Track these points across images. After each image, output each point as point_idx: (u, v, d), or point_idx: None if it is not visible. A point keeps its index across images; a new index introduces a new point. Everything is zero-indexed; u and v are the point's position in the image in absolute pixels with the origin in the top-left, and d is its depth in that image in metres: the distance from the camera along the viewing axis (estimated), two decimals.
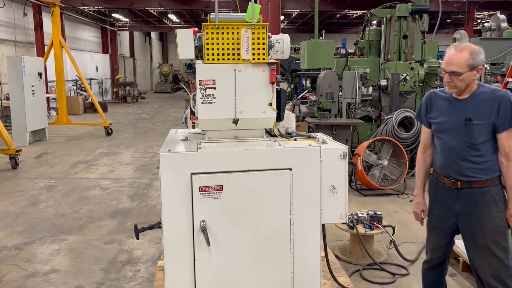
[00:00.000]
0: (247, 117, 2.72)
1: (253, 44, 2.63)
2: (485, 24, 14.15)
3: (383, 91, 8.42)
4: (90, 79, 21.07)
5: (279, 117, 2.81)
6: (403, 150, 6.40)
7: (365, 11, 12.41)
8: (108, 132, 11.85)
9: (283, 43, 2.83)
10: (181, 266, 2.58)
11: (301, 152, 2.61)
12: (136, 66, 29.87)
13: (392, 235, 4.19)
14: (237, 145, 2.70)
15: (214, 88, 2.65)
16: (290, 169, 2.60)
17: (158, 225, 2.57)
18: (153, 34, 34.61)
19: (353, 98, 7.82)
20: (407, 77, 8.14)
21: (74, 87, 18.82)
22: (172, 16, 24.78)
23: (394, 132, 7.07)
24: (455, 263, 4.11)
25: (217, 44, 2.62)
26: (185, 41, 2.61)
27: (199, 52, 2.65)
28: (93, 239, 4.79)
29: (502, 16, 13.71)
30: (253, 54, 2.64)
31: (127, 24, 26.15)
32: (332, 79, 7.79)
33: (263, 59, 2.65)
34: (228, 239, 2.59)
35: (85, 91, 17.23)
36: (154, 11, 22.37)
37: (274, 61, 2.66)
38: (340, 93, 7.98)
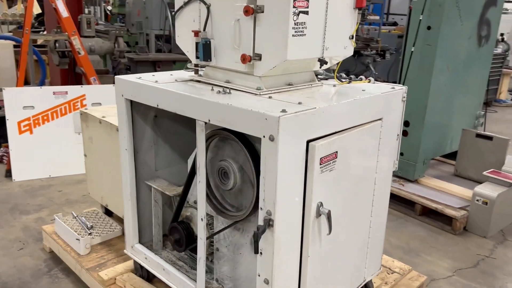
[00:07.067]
0: (330, 55, 2.00)
1: None
2: None
3: None
4: None
5: None
6: None
7: None
8: None
9: None
10: (290, 270, 1.82)
11: (392, 97, 2.17)
12: None
13: None
14: (311, 94, 1.99)
15: (307, 13, 1.81)
16: (381, 119, 2.13)
17: (269, 224, 1.67)
18: None
19: (161, 29, 6.97)
20: None
21: None
22: None
23: None
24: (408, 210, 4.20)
25: None
26: None
27: None
28: None
29: None
30: None
31: None
32: (141, 6, 6.66)
33: None
34: (339, 222, 1.96)
35: None
36: None
37: None
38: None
